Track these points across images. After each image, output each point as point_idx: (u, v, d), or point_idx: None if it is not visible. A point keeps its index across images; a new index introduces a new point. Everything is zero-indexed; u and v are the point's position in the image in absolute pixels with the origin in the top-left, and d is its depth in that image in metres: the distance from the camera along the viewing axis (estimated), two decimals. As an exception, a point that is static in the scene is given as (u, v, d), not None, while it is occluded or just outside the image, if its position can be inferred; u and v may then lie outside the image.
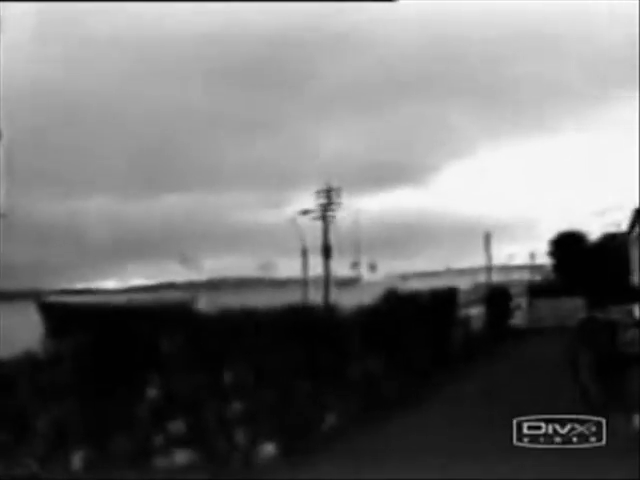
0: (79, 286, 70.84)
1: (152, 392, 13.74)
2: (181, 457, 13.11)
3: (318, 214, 65.42)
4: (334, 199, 66.07)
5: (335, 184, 66.76)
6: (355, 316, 21.78)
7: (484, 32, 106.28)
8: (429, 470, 13.50)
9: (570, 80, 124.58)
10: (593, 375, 20.18)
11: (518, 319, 49.83)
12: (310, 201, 66.29)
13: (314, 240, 63.25)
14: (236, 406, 14.69)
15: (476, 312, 42.19)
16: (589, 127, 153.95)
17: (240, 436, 14.17)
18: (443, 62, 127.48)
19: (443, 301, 32.57)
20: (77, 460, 12.40)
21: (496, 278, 72.64)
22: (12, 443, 12.25)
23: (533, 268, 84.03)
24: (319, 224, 65.03)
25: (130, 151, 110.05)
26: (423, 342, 26.38)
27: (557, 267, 67.67)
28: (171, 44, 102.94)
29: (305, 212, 64.78)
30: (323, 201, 65.98)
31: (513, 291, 52.38)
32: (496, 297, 47.10)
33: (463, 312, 38.02)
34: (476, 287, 55.39)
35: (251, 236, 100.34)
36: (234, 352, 15.43)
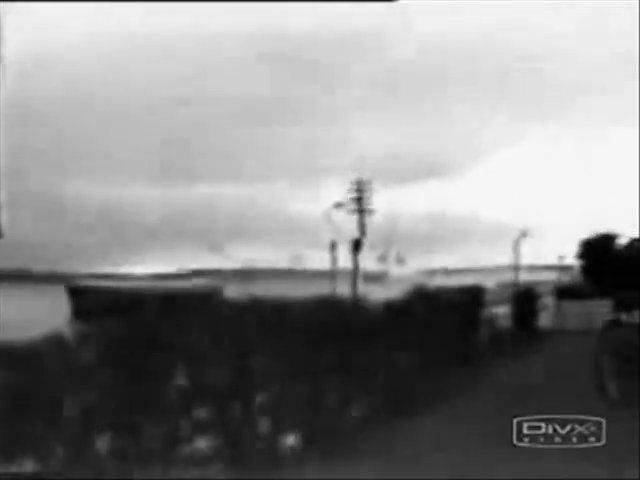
0: (108, 271, 71.14)
1: (179, 380, 13.85)
2: (204, 445, 13.25)
3: (350, 207, 65.40)
4: (365, 193, 66.10)
5: (366, 177, 66.80)
6: (382, 311, 21.87)
7: (514, 27, 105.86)
8: (448, 464, 13.71)
9: (602, 76, 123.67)
10: (614, 378, 20.30)
11: (544, 320, 49.72)
12: (341, 194, 66.32)
13: (344, 233, 63.29)
14: (261, 396, 14.80)
15: (502, 311, 42.18)
16: (620, 126, 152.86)
17: (264, 426, 14.31)
18: (475, 57, 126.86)
19: (469, 299, 32.64)
20: (103, 446, 12.52)
21: (524, 278, 72.47)
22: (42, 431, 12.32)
23: (561, 269, 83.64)
24: (350, 217, 65.06)
25: (162, 140, 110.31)
26: (448, 340, 26.47)
27: (586, 269, 67.45)
28: (214, 36, 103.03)
29: (338, 205, 64.75)
30: (354, 194, 66.00)
31: (540, 291, 52.23)
32: (522, 297, 47.05)
33: (489, 311, 38.04)
34: (503, 286, 55.32)
35: (281, 227, 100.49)
36: (261, 342, 15.54)
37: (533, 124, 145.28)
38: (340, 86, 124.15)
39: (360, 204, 65.73)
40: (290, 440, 14.32)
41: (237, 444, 13.57)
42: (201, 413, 13.68)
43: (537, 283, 61.29)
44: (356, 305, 22.09)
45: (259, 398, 14.84)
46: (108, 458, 12.27)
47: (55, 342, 13.99)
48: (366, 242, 64.11)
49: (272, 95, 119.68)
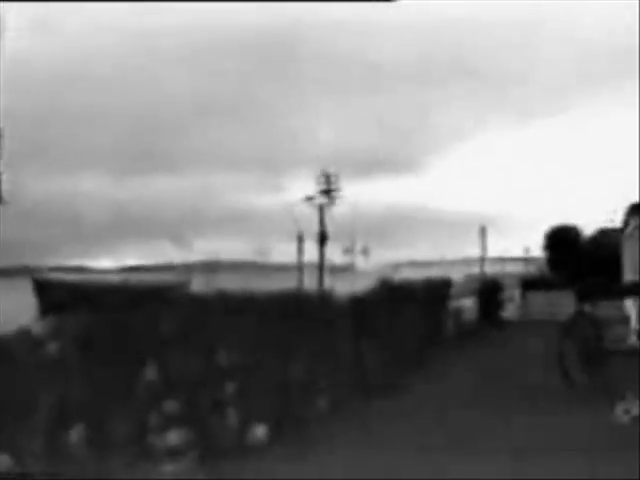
0: (73, 264, 70.77)
1: (150, 373, 13.89)
2: (174, 437, 13.32)
3: (317, 200, 65.36)
4: (331, 186, 66.14)
5: (332, 170, 66.83)
6: (349, 304, 21.99)
7: (480, 16, 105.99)
8: (417, 449, 13.95)
9: (568, 67, 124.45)
10: (579, 368, 20.64)
11: (510, 311, 50.13)
12: (307, 187, 66.36)
13: (311, 226, 63.31)
14: (230, 387, 14.89)
15: (468, 303, 42.50)
16: (588, 116, 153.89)
17: (233, 417, 14.41)
18: (439, 47, 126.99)
19: (435, 291, 32.86)
20: (75, 438, 12.54)
21: (490, 270, 72.89)
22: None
23: (527, 261, 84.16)
24: (316, 210, 65.05)
25: (127, 132, 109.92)
26: (415, 332, 26.69)
27: (551, 261, 67.92)
28: (167, 28, 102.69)
29: (309, 199, 64.61)
30: (321, 187, 65.99)
31: (506, 283, 52.60)
32: (488, 289, 47.38)
33: (456, 303, 38.35)
34: (469, 278, 55.63)
35: (247, 220, 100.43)
36: (228, 335, 15.61)
37: (499, 115, 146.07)
38: (305, 79, 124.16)
39: (326, 197, 65.78)
40: (259, 430, 14.44)
41: (206, 435, 13.66)
42: (170, 405, 13.74)
43: (503, 275, 61.72)
44: (322, 298, 22.19)
45: (227, 390, 14.92)
46: (79, 452, 12.31)
47: (23, 337, 14.01)
48: (332, 235, 64.18)
49: (237, 87, 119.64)
